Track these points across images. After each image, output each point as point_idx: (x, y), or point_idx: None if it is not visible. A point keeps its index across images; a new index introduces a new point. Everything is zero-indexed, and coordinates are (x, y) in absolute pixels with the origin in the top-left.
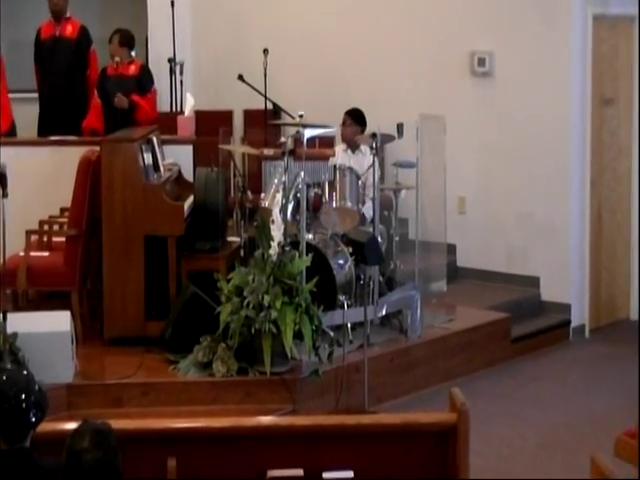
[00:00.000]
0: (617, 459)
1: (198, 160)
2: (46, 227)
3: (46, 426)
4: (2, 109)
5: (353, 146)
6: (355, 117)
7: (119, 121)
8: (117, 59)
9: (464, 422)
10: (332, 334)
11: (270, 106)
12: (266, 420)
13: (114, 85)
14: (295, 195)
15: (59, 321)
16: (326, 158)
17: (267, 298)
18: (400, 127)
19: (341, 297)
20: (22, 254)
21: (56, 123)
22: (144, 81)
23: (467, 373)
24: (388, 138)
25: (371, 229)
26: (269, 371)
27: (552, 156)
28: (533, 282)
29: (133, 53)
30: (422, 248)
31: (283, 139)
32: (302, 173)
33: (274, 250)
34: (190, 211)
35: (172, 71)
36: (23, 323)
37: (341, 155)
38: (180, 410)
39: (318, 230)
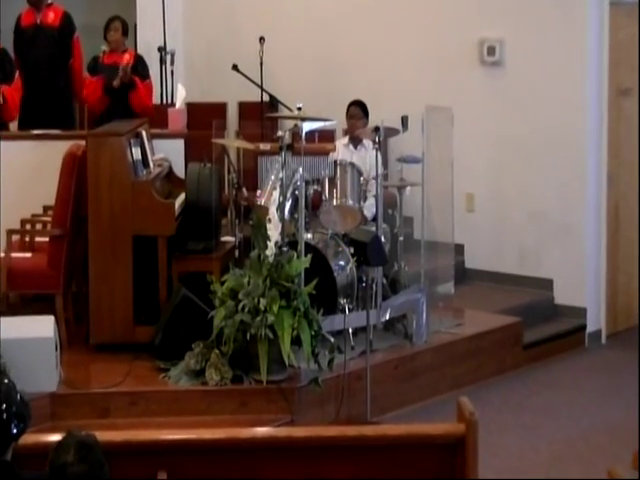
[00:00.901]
0: (635, 471)
1: (190, 155)
2: (28, 226)
3: (28, 438)
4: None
5: (355, 140)
6: (365, 109)
7: (114, 109)
8: (104, 47)
9: (473, 433)
10: (332, 340)
11: (266, 98)
12: (262, 431)
13: (108, 75)
14: (293, 192)
15: (42, 326)
16: (326, 153)
17: (263, 302)
18: (405, 120)
19: (342, 300)
20: (3, 255)
21: (39, 116)
22: (140, 71)
23: (476, 381)
24: (392, 132)
25: (374, 228)
26: (265, 379)
27: (567, 151)
28: (546, 284)
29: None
30: (428, 248)
31: (280, 133)
32: (300, 169)
33: (271, 251)
34: (181, 209)
35: (162, 61)
36: (4, 328)
37: (342, 150)
38: (171, 421)
39: (317, 229)
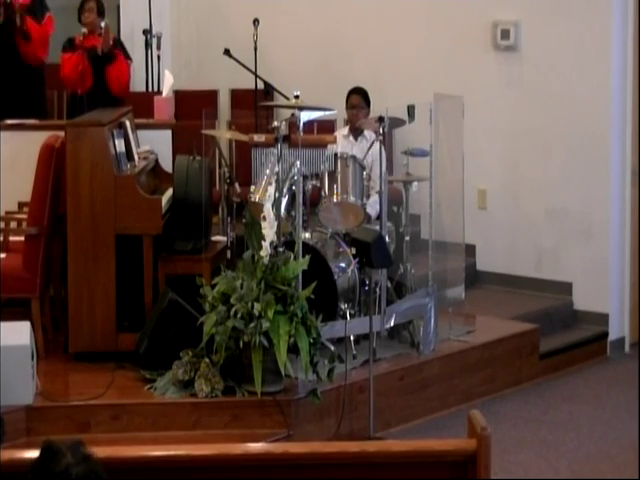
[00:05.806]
0: None
1: (178, 147)
2: (2, 224)
3: (3, 454)
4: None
5: (356, 131)
6: (366, 98)
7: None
8: (84, 30)
9: (485, 450)
10: (332, 348)
11: (261, 85)
12: (256, 447)
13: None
14: (290, 188)
15: (17, 333)
16: (325, 145)
17: (257, 306)
18: (411, 109)
19: (343, 305)
20: None
21: (11, 104)
22: (121, 51)
23: (489, 393)
24: (397, 122)
25: (377, 227)
26: (260, 391)
27: (588, 143)
28: (565, 289)
29: (103, 23)
30: (436, 249)
31: (276, 123)
32: (298, 162)
33: (265, 251)
34: (169, 206)
35: (148, 45)
36: None
37: (341, 141)
38: (157, 436)
39: (316, 228)
